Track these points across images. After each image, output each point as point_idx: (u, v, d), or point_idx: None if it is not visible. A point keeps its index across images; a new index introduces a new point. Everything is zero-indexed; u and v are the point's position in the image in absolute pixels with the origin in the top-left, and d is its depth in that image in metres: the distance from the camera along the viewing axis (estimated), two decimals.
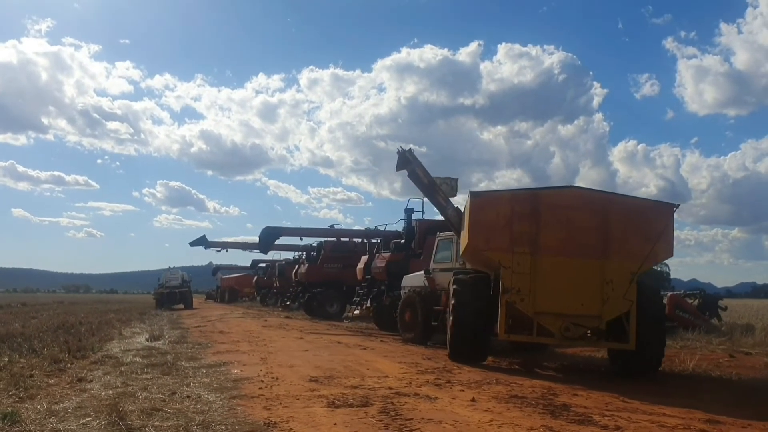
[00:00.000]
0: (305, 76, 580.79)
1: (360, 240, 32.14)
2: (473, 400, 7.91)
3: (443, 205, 14.92)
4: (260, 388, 8.91)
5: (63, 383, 9.62)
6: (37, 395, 8.45)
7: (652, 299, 11.43)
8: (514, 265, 11.07)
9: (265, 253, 37.31)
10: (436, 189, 15.04)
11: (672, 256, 11.31)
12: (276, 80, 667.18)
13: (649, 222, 11.13)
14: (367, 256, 24.36)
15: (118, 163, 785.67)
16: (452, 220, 14.76)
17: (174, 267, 48.68)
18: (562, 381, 10.14)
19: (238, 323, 24.78)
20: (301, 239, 33.62)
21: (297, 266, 35.24)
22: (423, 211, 22.96)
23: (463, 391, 8.66)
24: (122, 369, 11.02)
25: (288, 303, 36.78)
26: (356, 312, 23.57)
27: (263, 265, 53.87)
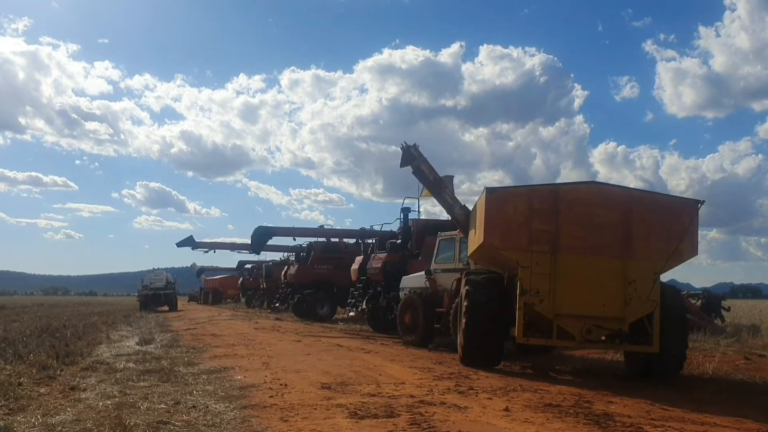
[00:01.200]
0: (286, 76, 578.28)
1: (353, 240, 31.54)
2: (507, 409, 7.33)
3: (450, 203, 14.34)
4: (270, 397, 8.29)
5: (55, 392, 8.95)
6: (28, 406, 7.78)
7: (674, 299, 10.94)
8: (532, 264, 10.52)
9: (258, 253, 36.59)
10: (443, 186, 14.48)
11: (696, 254, 10.81)
12: (257, 81, 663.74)
13: (672, 219, 10.63)
14: (362, 257, 23.71)
15: (96, 164, 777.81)
16: (459, 219, 14.20)
17: (158, 268, 47.75)
18: (586, 386, 9.57)
19: (229, 326, 24.05)
20: (294, 239, 32.97)
21: (286, 267, 34.53)
22: (419, 211, 22.41)
23: (490, 399, 8.09)
24: (117, 376, 10.34)
25: (277, 305, 36.03)
26: (351, 314, 22.96)
27: (249, 266, 53.04)
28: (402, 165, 14.85)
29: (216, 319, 28.62)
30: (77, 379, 10.10)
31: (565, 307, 10.48)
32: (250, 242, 31.53)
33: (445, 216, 17.60)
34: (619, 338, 10.59)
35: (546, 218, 10.62)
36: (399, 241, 21.66)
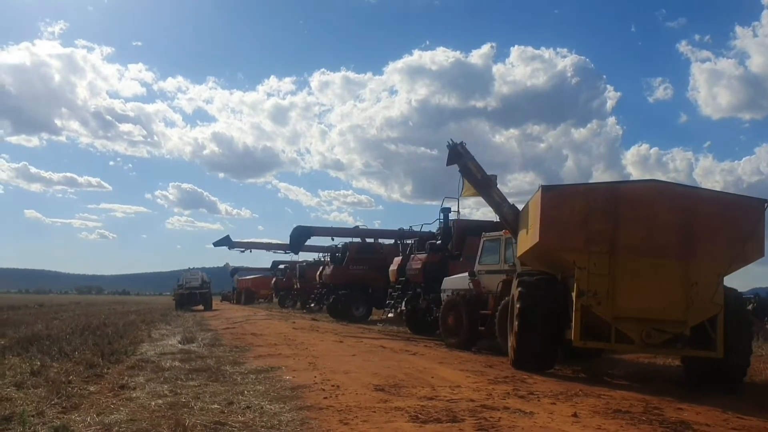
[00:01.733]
0: (316, 78, 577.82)
1: (389, 241, 31.32)
2: (575, 415, 7.01)
3: (498, 202, 14.00)
4: (325, 398, 8.05)
5: (105, 390, 8.82)
6: (81, 405, 7.65)
7: (737, 303, 10.51)
8: (590, 265, 10.16)
9: (296, 253, 36.58)
10: (491, 185, 14.14)
11: (763, 256, 10.36)
12: (287, 83, 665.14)
13: (737, 219, 10.20)
14: (400, 257, 23.43)
15: (130, 165, 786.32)
16: (508, 219, 13.85)
17: (194, 268, 48.00)
18: (647, 392, 9.20)
19: (267, 325, 23.94)
20: (332, 239, 32.80)
21: (322, 268, 34.39)
22: (458, 211, 22.04)
23: (554, 404, 7.77)
24: (165, 375, 10.20)
25: (312, 305, 35.91)
26: (390, 315, 22.69)
27: (283, 266, 53.07)
28: (448, 163, 14.55)
29: (253, 319, 28.56)
30: (125, 377, 9.98)
31: (624, 309, 10.12)
32: (288, 242, 31.46)
33: (490, 216, 17.28)
34: (681, 343, 10.18)
35: (604, 217, 10.27)
36: (439, 241, 21.33)
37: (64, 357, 12.08)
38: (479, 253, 17.16)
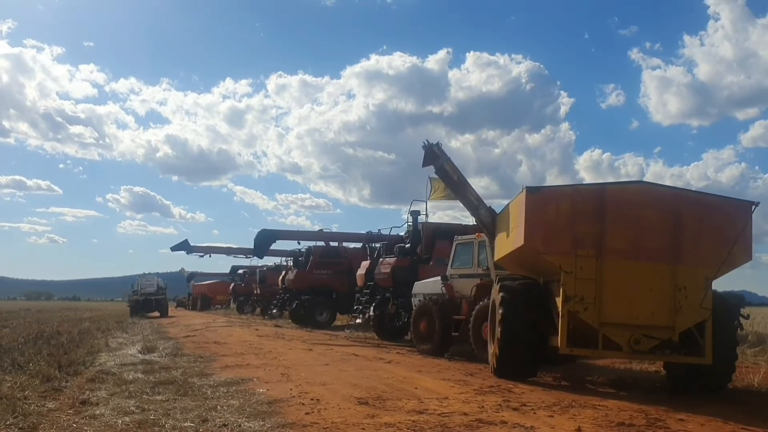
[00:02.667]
0: (273, 81, 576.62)
1: (353, 245, 30.80)
2: (579, 430, 6.61)
3: (475, 205, 13.61)
4: (306, 414, 7.52)
5: (65, 407, 8.15)
6: (40, 424, 7.00)
7: (724, 308, 10.27)
8: (576, 269, 9.81)
9: (261, 257, 35.73)
10: (468, 187, 13.75)
11: (751, 259, 10.16)
12: (243, 85, 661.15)
13: (725, 222, 9.96)
14: (368, 261, 22.93)
15: (81, 168, 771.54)
16: (485, 221, 13.46)
17: (149, 273, 46.69)
18: (638, 400, 8.88)
19: (229, 333, 23.16)
20: (299, 243, 32.04)
21: (284, 272, 33.63)
22: (427, 214, 21.64)
23: (552, 416, 7.37)
24: (129, 388, 9.52)
25: (274, 311, 35.12)
26: (358, 321, 22.17)
27: (241, 271, 52.05)
28: (424, 164, 14.12)
29: (213, 326, 27.70)
30: (86, 391, 9.28)
31: (612, 315, 9.79)
32: (252, 246, 30.67)
33: (460, 219, 16.89)
34: (670, 349, 9.90)
35: (591, 220, 9.94)
36: (408, 245, 20.90)
37: (17, 369, 11.27)
38: (451, 257, 16.76)
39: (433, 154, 13.79)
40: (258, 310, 45.63)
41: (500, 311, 10.84)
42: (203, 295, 66.71)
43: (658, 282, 9.77)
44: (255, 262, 46.26)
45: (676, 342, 9.83)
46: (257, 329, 25.58)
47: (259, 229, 30.84)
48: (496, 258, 13.02)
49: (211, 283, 67.94)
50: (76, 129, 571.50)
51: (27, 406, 7.95)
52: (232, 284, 55.02)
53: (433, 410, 7.62)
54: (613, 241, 9.88)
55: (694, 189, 10.43)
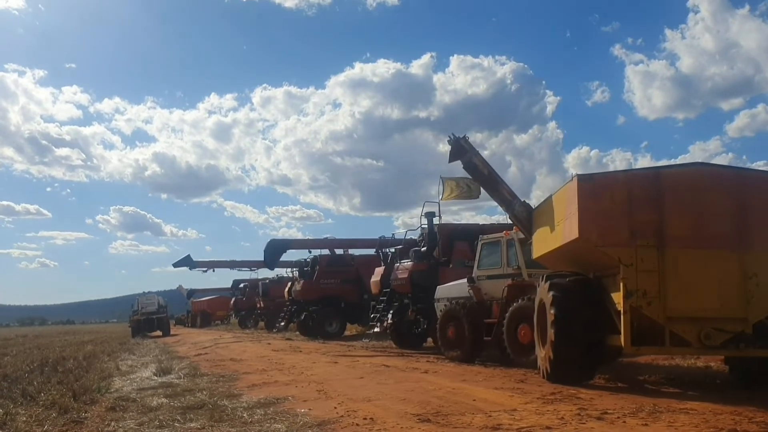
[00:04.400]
0: (258, 94, 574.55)
1: (363, 251, 30.04)
2: None
3: (508, 200, 12.80)
4: None
5: None
6: None
7: None
8: (637, 261, 9.05)
9: (272, 269, 34.86)
10: (499, 181, 12.95)
11: None
12: (229, 99, 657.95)
13: None
14: (382, 267, 22.07)
15: (69, 190, 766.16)
16: (520, 217, 12.66)
17: (149, 292, 45.70)
18: (722, 401, 8.08)
19: (242, 349, 22.22)
20: (310, 252, 31.12)
21: (290, 284, 32.70)
22: (440, 216, 20.82)
23: (647, 425, 6.55)
24: (157, 416, 8.63)
25: (282, 323, 34.19)
26: (376, 329, 21.29)
27: (242, 285, 51.00)
28: (451, 160, 13.32)
29: (222, 343, 26.74)
30: (110, 422, 8.43)
31: (678, 308, 9.04)
32: (263, 258, 29.79)
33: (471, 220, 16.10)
34: (744, 342, 9.10)
35: (649, 207, 9.21)
36: (424, 248, 20.06)
37: (29, 400, 10.42)
38: (477, 258, 15.95)
39: (461, 148, 12.99)
40: (261, 324, 44.62)
41: (552, 311, 10.02)
42: (203, 312, 65.54)
43: (725, 270, 9.06)
44: (259, 274, 45.43)
45: (749, 334, 9.06)
46: (269, 343, 24.66)
47: (268, 240, 30.01)
48: (535, 255, 12.23)
49: (210, 298, 66.83)
50: (62, 151, 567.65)
51: None
52: (233, 299, 53.92)
53: (508, 425, 6.80)
54: (674, 228, 9.15)
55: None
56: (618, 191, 9.28)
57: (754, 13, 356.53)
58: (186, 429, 7.67)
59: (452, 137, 13.07)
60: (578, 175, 9.48)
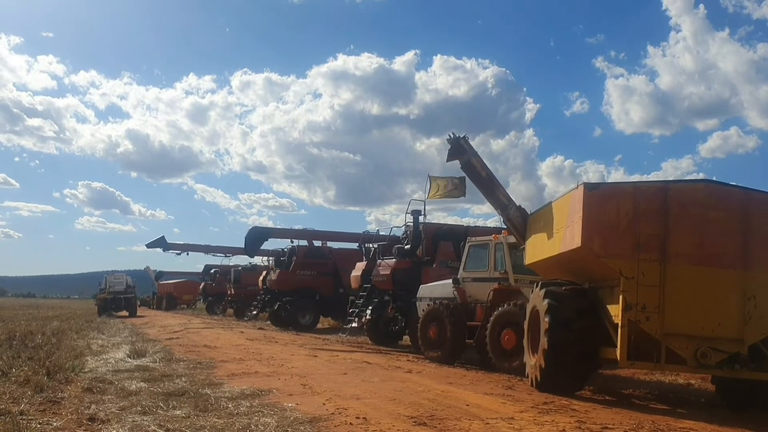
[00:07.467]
0: (238, 78, 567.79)
1: (335, 245, 29.80)
2: None
3: (504, 204, 12.65)
4: None
5: (72, 425, 7.05)
6: None
7: None
8: (638, 275, 8.94)
9: (252, 257, 34.44)
10: (497, 184, 12.80)
11: None
12: (207, 81, 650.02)
13: None
14: (364, 263, 21.83)
15: (38, 162, 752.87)
16: (515, 222, 12.51)
17: (117, 271, 44.92)
18: (717, 421, 8.03)
19: (215, 336, 21.81)
20: (292, 242, 30.71)
21: (266, 273, 32.31)
22: (425, 214, 20.64)
23: None
24: (138, 401, 8.34)
25: (254, 312, 33.79)
26: (354, 324, 21.06)
27: (213, 271, 50.35)
28: (449, 159, 13.12)
29: (192, 328, 26.30)
30: (90, 405, 8.12)
31: (676, 325, 8.94)
32: (243, 245, 29.36)
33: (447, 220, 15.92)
34: (739, 363, 9.04)
35: (654, 221, 9.08)
36: (407, 246, 19.87)
37: (1, 376, 10.00)
38: (464, 259, 15.80)
39: (460, 148, 12.80)
40: (230, 311, 44.12)
41: (546, 319, 9.88)
42: (169, 294, 64.71)
43: (726, 290, 8.99)
44: (231, 261, 44.92)
45: (744, 356, 9.01)
46: (242, 332, 24.29)
47: (250, 227, 29.60)
48: (528, 261, 12.10)
49: (177, 282, 65.97)
50: (34, 121, 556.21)
51: (26, 423, 6.79)
52: (203, 284, 53.25)
53: None
54: (678, 244, 9.04)
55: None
56: (624, 203, 9.15)
57: (734, 37, 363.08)
58: (171, 417, 7.38)
59: (452, 136, 12.87)
60: (585, 184, 9.35)
